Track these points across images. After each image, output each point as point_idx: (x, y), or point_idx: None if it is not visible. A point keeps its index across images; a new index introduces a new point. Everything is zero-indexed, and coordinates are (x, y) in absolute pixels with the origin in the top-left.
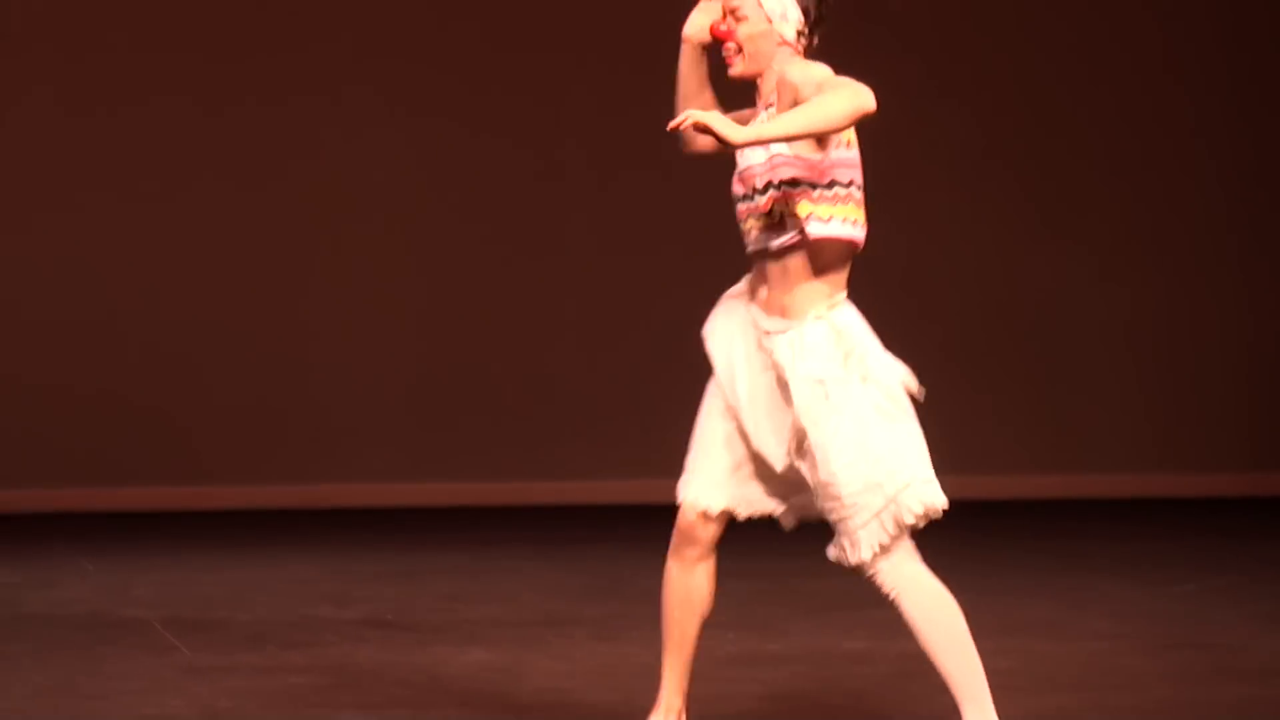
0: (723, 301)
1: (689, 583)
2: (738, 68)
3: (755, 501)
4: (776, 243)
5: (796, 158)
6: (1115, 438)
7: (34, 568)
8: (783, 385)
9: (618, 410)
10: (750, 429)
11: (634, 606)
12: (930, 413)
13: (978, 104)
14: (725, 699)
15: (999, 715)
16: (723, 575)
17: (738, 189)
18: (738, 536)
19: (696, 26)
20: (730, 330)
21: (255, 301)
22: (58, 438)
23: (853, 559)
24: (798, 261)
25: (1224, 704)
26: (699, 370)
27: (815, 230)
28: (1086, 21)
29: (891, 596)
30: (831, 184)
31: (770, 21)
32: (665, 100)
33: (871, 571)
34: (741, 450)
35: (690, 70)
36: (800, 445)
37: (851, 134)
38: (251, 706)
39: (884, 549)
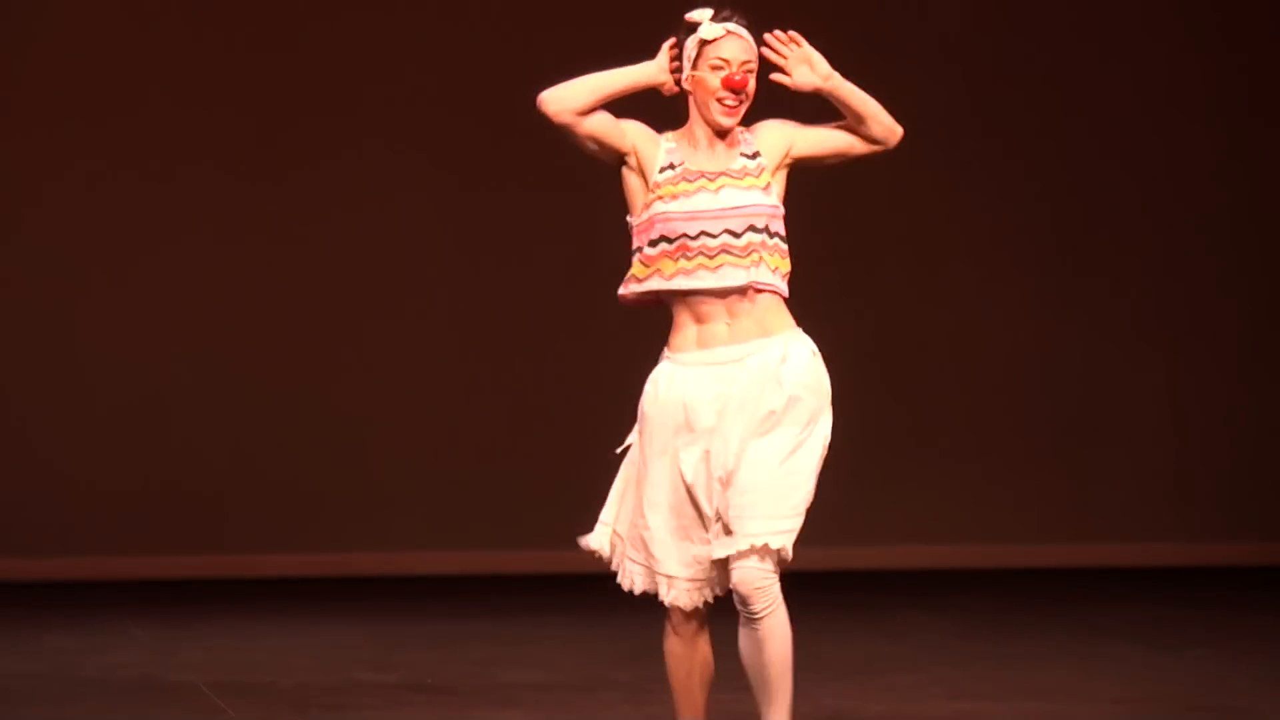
0: (665, 377)
1: (693, 655)
2: (734, 118)
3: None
4: (752, 280)
5: (778, 207)
6: (1129, 508)
7: (87, 633)
8: (753, 398)
9: None
10: (714, 462)
11: (663, 670)
12: (949, 483)
13: (1002, 182)
14: None
15: None
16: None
17: (709, 225)
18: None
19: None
20: (674, 397)
21: (297, 377)
22: (109, 509)
23: (767, 555)
24: (766, 296)
25: None
26: None
27: (780, 283)
28: (1106, 103)
29: (768, 609)
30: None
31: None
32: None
33: (767, 579)
34: (692, 518)
35: (624, 90)
36: (758, 438)
37: None
38: None
39: (784, 565)
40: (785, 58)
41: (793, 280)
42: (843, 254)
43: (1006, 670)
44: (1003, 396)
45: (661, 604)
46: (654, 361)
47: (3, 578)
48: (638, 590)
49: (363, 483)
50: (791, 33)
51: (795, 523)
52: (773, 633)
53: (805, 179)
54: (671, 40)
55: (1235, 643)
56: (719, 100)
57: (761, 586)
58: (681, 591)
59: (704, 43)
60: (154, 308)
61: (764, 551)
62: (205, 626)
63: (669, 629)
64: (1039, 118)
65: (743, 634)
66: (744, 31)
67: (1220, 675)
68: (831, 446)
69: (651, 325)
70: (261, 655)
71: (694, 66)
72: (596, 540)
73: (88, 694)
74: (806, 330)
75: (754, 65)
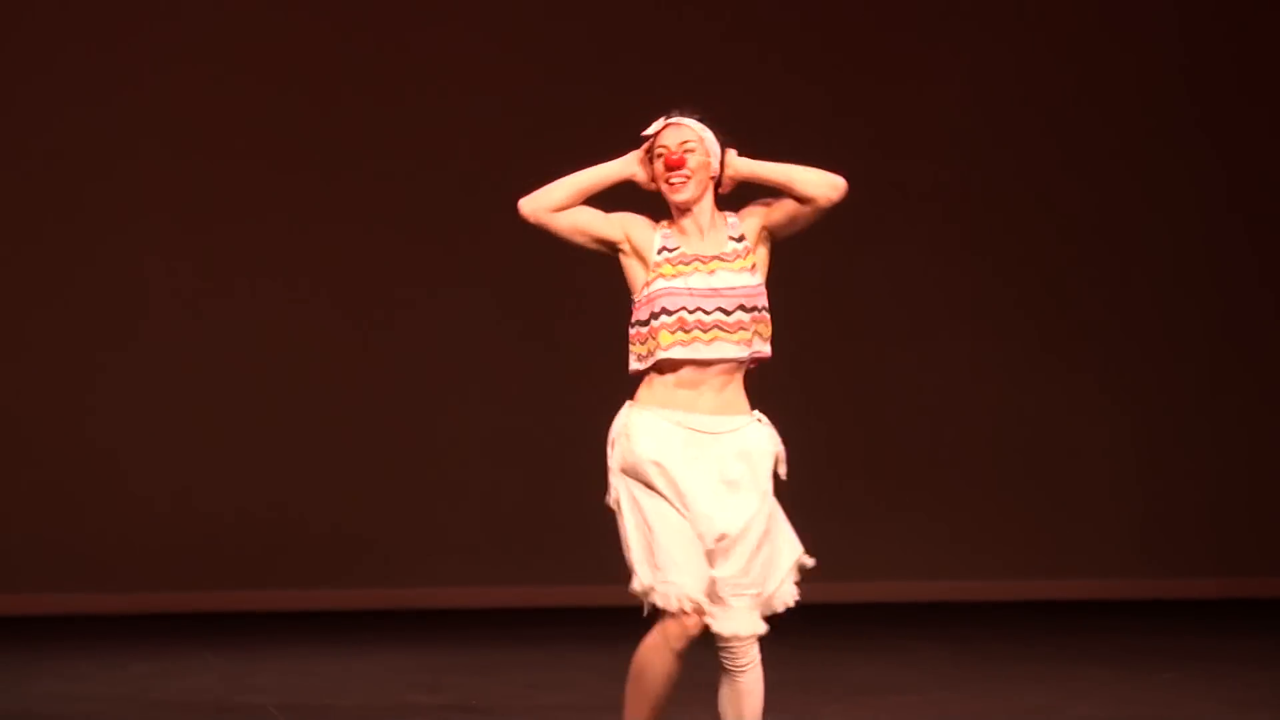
0: (631, 421)
1: (675, 672)
2: (687, 192)
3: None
4: (746, 354)
5: (762, 285)
6: (1102, 548)
7: (165, 660)
8: (726, 476)
9: None
10: (701, 505)
11: (686, 692)
12: (946, 526)
13: (982, 250)
14: None
15: None
16: (766, 666)
17: (704, 303)
18: (780, 635)
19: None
20: (660, 443)
21: (353, 426)
22: (185, 548)
23: (751, 630)
24: (739, 373)
25: None
26: None
27: (767, 349)
28: (1066, 201)
29: (749, 664)
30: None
31: (709, 156)
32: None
33: (749, 642)
34: (701, 544)
35: (598, 185)
36: (742, 523)
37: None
38: None
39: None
40: (693, 172)
41: (792, 344)
42: (841, 329)
43: (995, 693)
44: (989, 450)
45: (660, 615)
46: None
47: (92, 611)
48: (672, 603)
49: (416, 524)
50: (690, 149)
51: (772, 593)
52: (752, 687)
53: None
54: (646, 144)
55: (1200, 666)
56: (666, 181)
57: (742, 653)
58: (692, 595)
59: (651, 142)
60: (222, 355)
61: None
62: (273, 654)
63: (657, 636)
64: (1010, 216)
65: (724, 684)
66: (684, 120)
67: (1187, 696)
68: (842, 494)
69: None
70: (323, 680)
71: (652, 163)
72: (640, 582)
73: (168, 716)
74: (807, 390)
75: (694, 145)
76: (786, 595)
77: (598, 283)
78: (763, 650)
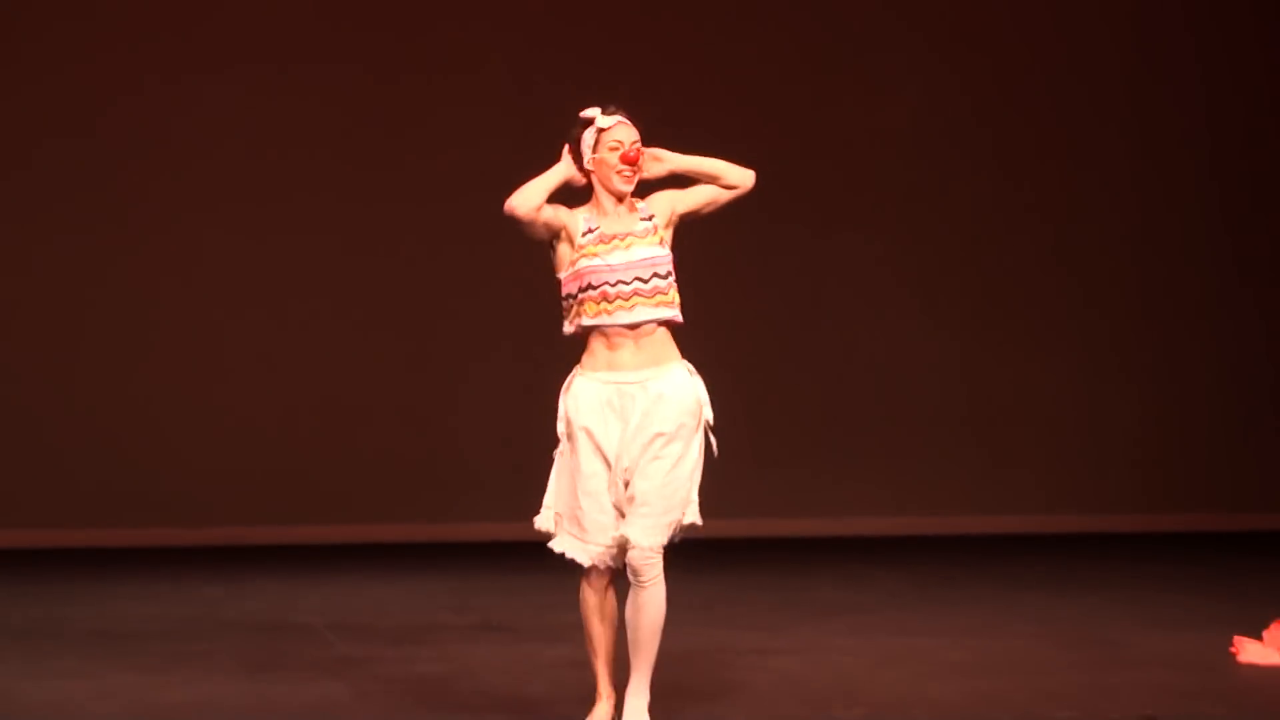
0: (583, 388)
1: (604, 604)
2: (631, 185)
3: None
4: (665, 316)
5: (670, 255)
6: (1037, 487)
7: (230, 585)
8: (648, 417)
9: None
10: (620, 467)
11: (683, 614)
12: (896, 467)
13: (930, 235)
14: (745, 683)
15: (960, 693)
16: (744, 589)
17: (624, 275)
18: (758, 563)
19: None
20: (605, 408)
21: (408, 379)
22: (248, 488)
23: (655, 543)
24: (663, 330)
25: (1116, 685)
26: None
27: (678, 312)
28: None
29: (651, 579)
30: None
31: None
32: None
33: (654, 559)
34: (611, 498)
35: (558, 185)
36: (648, 453)
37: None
38: (391, 688)
39: (692, 531)
40: (641, 168)
41: (769, 315)
42: (811, 303)
43: (943, 613)
44: (937, 404)
45: (582, 567)
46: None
47: (165, 543)
48: (569, 556)
49: (447, 467)
50: (640, 149)
51: (674, 517)
52: (651, 600)
53: (780, 228)
54: (566, 145)
55: (1120, 592)
56: (619, 173)
57: (647, 564)
58: (604, 556)
59: (600, 131)
60: (276, 308)
61: (652, 544)
62: (322, 581)
63: (585, 585)
64: (951, 204)
65: (630, 598)
66: (628, 120)
67: (1108, 616)
68: (813, 442)
69: None
70: (365, 603)
71: (594, 151)
72: (543, 521)
73: (232, 633)
74: (793, 349)
75: (639, 143)
76: (688, 521)
77: None
78: (747, 579)
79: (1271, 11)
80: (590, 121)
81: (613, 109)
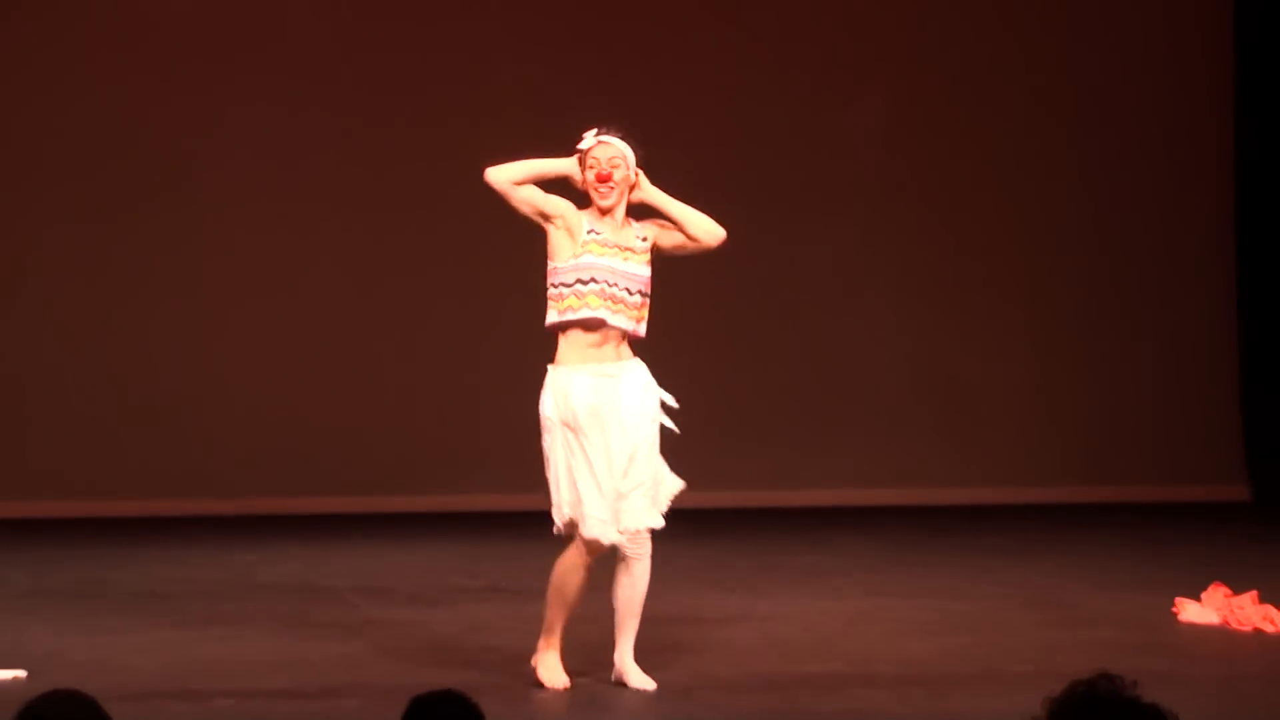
0: (562, 381)
1: (586, 576)
2: (610, 199)
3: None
4: (633, 328)
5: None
6: (997, 461)
7: (260, 551)
8: (622, 406)
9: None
10: (610, 453)
11: (674, 579)
12: (868, 443)
13: (903, 224)
14: (729, 641)
15: (926, 649)
16: (730, 556)
17: (618, 281)
18: (740, 531)
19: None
20: (574, 400)
21: (425, 364)
22: (277, 460)
23: (652, 523)
24: (626, 339)
25: (1068, 642)
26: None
27: (642, 329)
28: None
29: (640, 554)
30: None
31: (629, 169)
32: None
33: (646, 537)
34: (611, 483)
35: (549, 175)
36: (630, 445)
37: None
38: (409, 645)
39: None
40: (616, 184)
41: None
42: (791, 289)
43: (910, 576)
44: (905, 384)
45: (570, 538)
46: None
47: (202, 512)
48: (588, 535)
49: (461, 442)
50: (616, 166)
51: (657, 495)
52: (642, 572)
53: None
54: (578, 155)
55: (1072, 556)
56: (595, 189)
57: (641, 542)
58: (608, 533)
59: (583, 154)
60: (301, 289)
61: (647, 525)
62: (346, 548)
63: (574, 555)
64: (921, 196)
65: (620, 570)
66: (610, 139)
67: (1061, 578)
68: (791, 417)
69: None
70: (385, 567)
71: (584, 170)
72: (560, 521)
73: (263, 595)
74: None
75: (619, 162)
76: (671, 489)
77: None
78: (733, 546)
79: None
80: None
81: (605, 130)
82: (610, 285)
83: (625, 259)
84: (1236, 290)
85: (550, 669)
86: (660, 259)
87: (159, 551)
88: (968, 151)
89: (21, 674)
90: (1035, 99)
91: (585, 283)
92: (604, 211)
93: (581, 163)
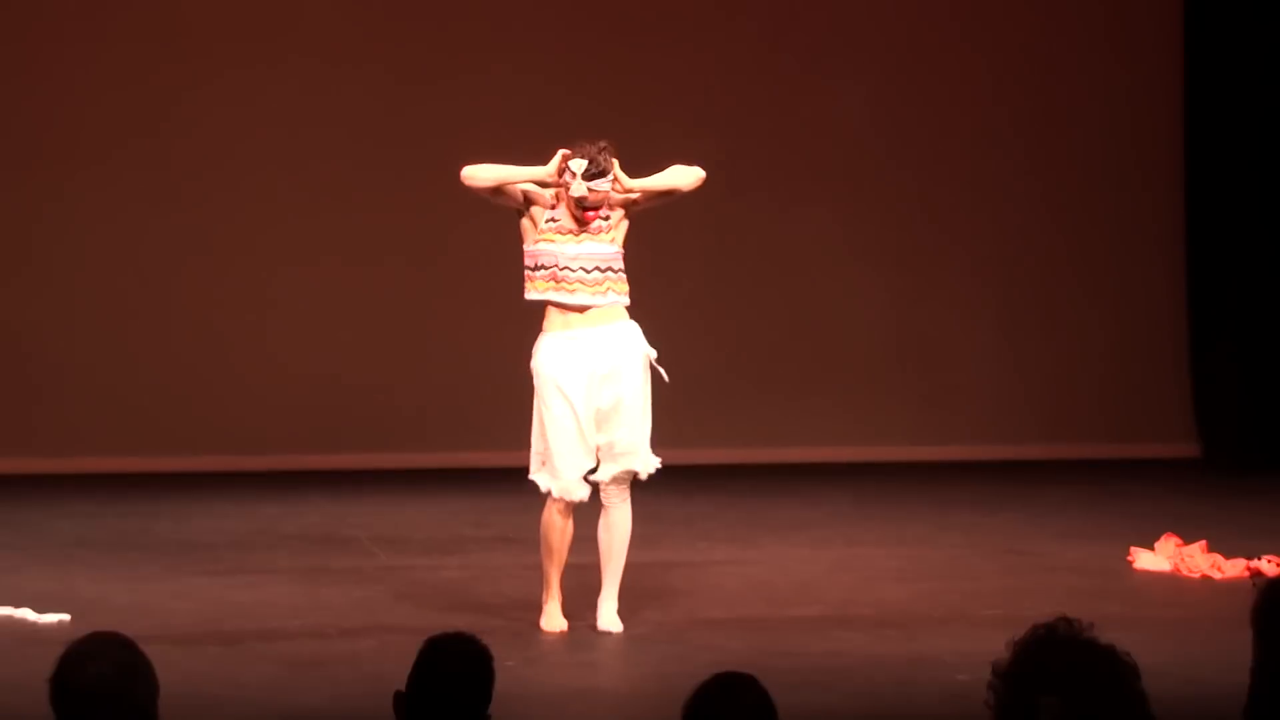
0: (547, 345)
1: (567, 528)
2: (591, 223)
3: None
4: (605, 303)
5: (619, 252)
6: (966, 420)
7: (287, 504)
8: (605, 365)
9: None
10: (587, 413)
11: (666, 530)
12: (846, 403)
13: (880, 200)
14: (718, 588)
15: (901, 594)
16: (718, 509)
17: (571, 264)
18: (729, 485)
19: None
20: (566, 360)
21: (440, 327)
22: (303, 418)
23: (642, 475)
24: (613, 305)
25: (1031, 588)
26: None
27: (622, 299)
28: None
29: (620, 504)
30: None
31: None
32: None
33: (623, 488)
34: (585, 442)
35: (521, 182)
36: (617, 400)
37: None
38: (423, 590)
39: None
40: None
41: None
42: (776, 260)
43: (885, 528)
44: (881, 348)
45: (551, 495)
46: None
47: (232, 468)
48: (544, 488)
49: (474, 401)
50: (600, 203)
51: (640, 450)
52: (620, 520)
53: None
54: (564, 153)
55: (1034, 509)
56: (579, 215)
57: (623, 489)
58: (572, 491)
59: (569, 186)
60: (312, 289)
61: (630, 472)
62: (365, 501)
63: (554, 511)
64: (897, 174)
65: (602, 518)
66: (599, 184)
67: (1023, 529)
68: (775, 378)
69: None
70: (402, 519)
71: (568, 190)
72: (542, 482)
73: (289, 544)
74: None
75: (604, 191)
76: (650, 464)
77: None
78: (718, 498)
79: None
80: (574, 174)
81: (593, 170)
82: (560, 269)
83: (580, 241)
84: (1186, 260)
85: (550, 616)
86: (650, 214)
87: (193, 505)
88: (942, 134)
89: (66, 617)
90: (1001, 84)
91: (536, 269)
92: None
93: (563, 174)
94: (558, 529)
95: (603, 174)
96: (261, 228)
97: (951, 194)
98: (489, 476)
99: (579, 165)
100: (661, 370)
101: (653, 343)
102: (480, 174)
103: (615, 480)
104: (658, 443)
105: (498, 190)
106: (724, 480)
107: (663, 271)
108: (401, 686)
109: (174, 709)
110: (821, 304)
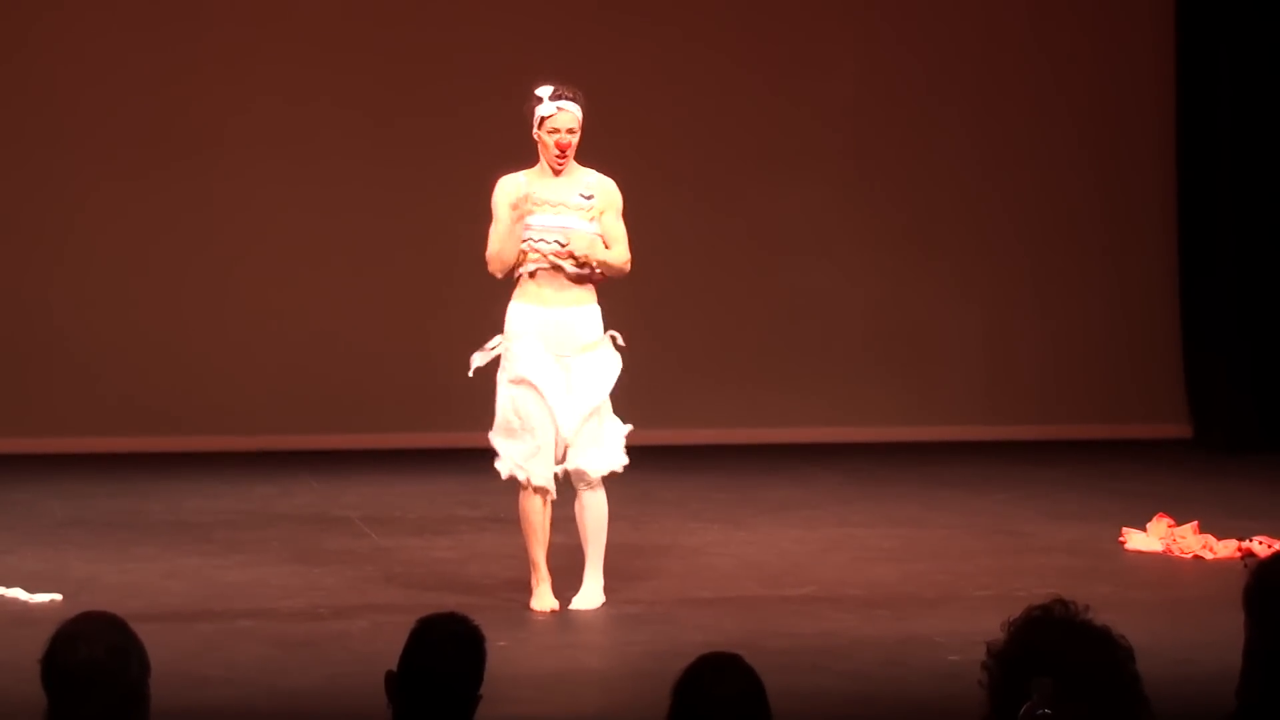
0: (517, 327)
1: (545, 511)
2: (564, 165)
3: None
4: (574, 274)
5: (597, 232)
6: (955, 400)
7: (279, 484)
8: (562, 343)
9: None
10: (556, 398)
11: (659, 510)
12: (836, 383)
13: (869, 182)
14: (709, 568)
15: (893, 574)
16: (709, 490)
17: (545, 235)
18: (720, 466)
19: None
20: (526, 334)
21: (432, 309)
22: (295, 398)
23: (615, 466)
24: (580, 281)
25: (1023, 568)
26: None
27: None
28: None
29: (594, 490)
30: None
31: (581, 131)
32: None
33: (594, 476)
34: (554, 427)
35: (510, 230)
36: (575, 391)
37: None
38: (415, 571)
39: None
40: (570, 156)
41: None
42: (764, 240)
43: (876, 507)
44: (870, 328)
45: (526, 485)
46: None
47: (226, 448)
48: (520, 479)
49: (464, 383)
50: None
51: (607, 435)
52: (594, 501)
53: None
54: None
55: (1024, 489)
56: (554, 156)
57: (593, 479)
58: (548, 479)
59: (543, 118)
60: (306, 270)
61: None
62: (357, 481)
63: (528, 498)
64: (888, 156)
65: (577, 502)
66: (570, 105)
67: (1014, 510)
68: (768, 358)
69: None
70: (393, 499)
71: (538, 128)
72: (504, 471)
73: (282, 523)
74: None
75: (577, 126)
76: (617, 458)
77: None
78: (714, 480)
79: None
80: (540, 99)
81: (561, 91)
82: (536, 242)
83: (558, 212)
84: (1178, 242)
85: (540, 597)
86: (639, 196)
87: (185, 485)
88: (934, 116)
89: (58, 597)
90: (993, 64)
91: (522, 242)
92: (555, 172)
93: (539, 123)
94: (535, 510)
95: (569, 99)
96: (256, 211)
97: (943, 175)
98: (481, 457)
99: (545, 90)
100: (621, 342)
101: (643, 323)
102: (506, 259)
103: (584, 467)
104: (652, 423)
105: (513, 248)
106: (715, 460)
107: (657, 248)
108: (393, 666)
109: (166, 688)
110: (813, 284)
